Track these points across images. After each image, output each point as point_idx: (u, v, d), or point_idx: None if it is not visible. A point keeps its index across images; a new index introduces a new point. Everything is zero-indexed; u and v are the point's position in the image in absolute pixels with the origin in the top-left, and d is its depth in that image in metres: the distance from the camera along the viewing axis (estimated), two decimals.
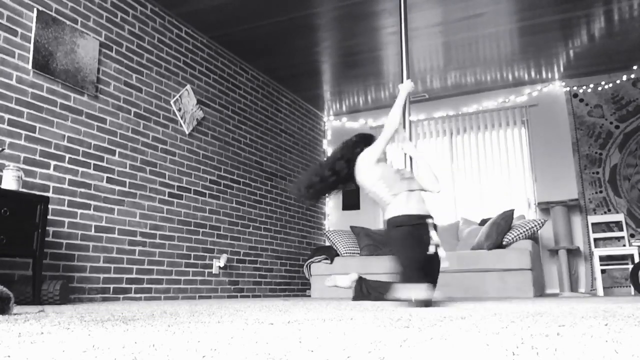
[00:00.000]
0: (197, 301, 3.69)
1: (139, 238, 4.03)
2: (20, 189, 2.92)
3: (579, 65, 5.65)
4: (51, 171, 3.42)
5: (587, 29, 4.91)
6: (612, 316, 1.37)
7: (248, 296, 5.16)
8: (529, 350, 0.67)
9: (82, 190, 3.62)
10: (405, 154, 3.09)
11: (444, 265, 2.63)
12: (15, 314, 1.67)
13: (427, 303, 2.33)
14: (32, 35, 3.38)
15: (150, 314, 1.71)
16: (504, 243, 4.83)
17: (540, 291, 4.90)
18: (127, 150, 4.02)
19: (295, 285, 6.01)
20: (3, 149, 3.07)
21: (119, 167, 3.93)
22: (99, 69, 3.86)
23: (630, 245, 5.32)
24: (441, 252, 2.62)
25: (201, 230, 4.67)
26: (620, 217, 5.42)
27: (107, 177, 3.82)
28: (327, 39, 5.07)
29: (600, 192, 5.66)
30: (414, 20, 4.68)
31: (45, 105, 3.43)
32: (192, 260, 4.52)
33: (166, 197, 4.33)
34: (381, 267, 5.11)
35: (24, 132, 3.27)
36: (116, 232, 3.84)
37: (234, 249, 5.07)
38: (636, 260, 4.88)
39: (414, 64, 5.63)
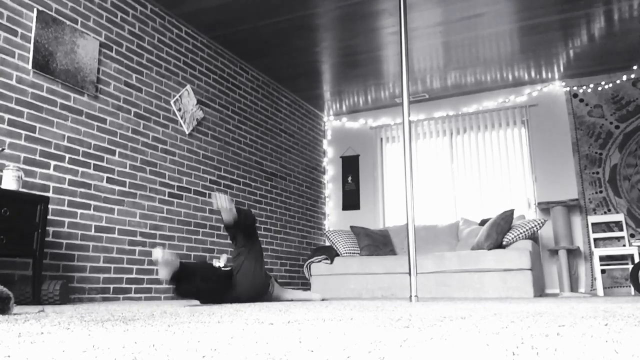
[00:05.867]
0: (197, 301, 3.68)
1: (139, 238, 4.03)
2: (20, 189, 2.92)
3: (579, 65, 5.66)
4: (51, 171, 3.42)
5: (587, 29, 4.91)
6: (612, 316, 1.37)
7: None
8: (529, 350, 0.67)
9: (82, 190, 3.62)
10: None
11: None
12: (15, 314, 1.67)
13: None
14: (32, 35, 3.38)
15: (150, 314, 1.71)
16: (504, 243, 4.83)
17: (540, 291, 4.90)
18: (127, 150, 4.02)
19: (295, 285, 6.01)
20: (3, 149, 3.07)
21: (119, 167, 3.93)
22: (99, 69, 3.86)
23: (630, 245, 5.32)
24: None
25: (201, 230, 4.67)
26: (620, 217, 5.43)
27: (107, 177, 3.82)
28: (327, 39, 5.07)
29: (600, 192, 5.66)
30: (414, 20, 4.68)
31: (45, 105, 3.43)
32: (192, 261, 4.52)
33: (166, 197, 4.33)
34: (381, 267, 5.11)
35: (24, 132, 3.27)
36: (116, 232, 3.84)
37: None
38: (636, 260, 4.88)
39: (414, 64, 5.63)
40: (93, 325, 1.19)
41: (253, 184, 5.50)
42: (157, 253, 2.53)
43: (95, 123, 3.78)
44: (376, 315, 1.54)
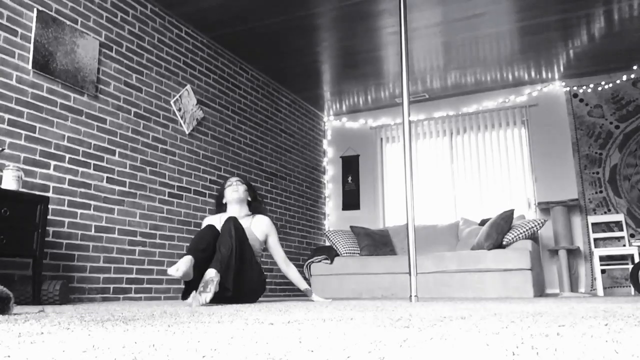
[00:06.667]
0: None
1: (139, 238, 4.03)
2: (20, 189, 2.92)
3: (579, 65, 5.66)
4: (51, 171, 3.42)
5: (587, 29, 4.91)
6: (612, 316, 1.37)
7: None
8: (529, 350, 0.67)
9: (82, 190, 3.62)
10: None
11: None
12: (15, 314, 1.67)
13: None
14: (32, 35, 3.38)
15: (150, 314, 1.71)
16: (504, 243, 4.83)
17: (540, 291, 4.90)
18: (127, 150, 4.02)
19: (295, 285, 6.01)
20: (3, 149, 3.07)
21: (119, 167, 3.93)
22: (99, 69, 3.86)
23: (630, 245, 5.32)
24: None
25: None
26: (620, 217, 5.43)
27: (107, 177, 3.82)
28: (327, 39, 5.07)
29: (600, 192, 5.66)
30: (414, 20, 4.68)
31: (45, 105, 3.43)
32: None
33: (166, 197, 4.33)
34: (381, 267, 5.11)
35: (24, 132, 3.27)
36: (116, 232, 3.84)
37: None
38: (636, 260, 4.88)
39: (414, 64, 5.63)
40: (93, 325, 1.19)
41: (253, 184, 5.49)
42: (173, 272, 2.59)
43: (95, 123, 3.78)
44: (376, 315, 1.54)
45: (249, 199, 3.46)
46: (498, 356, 0.63)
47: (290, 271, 3.47)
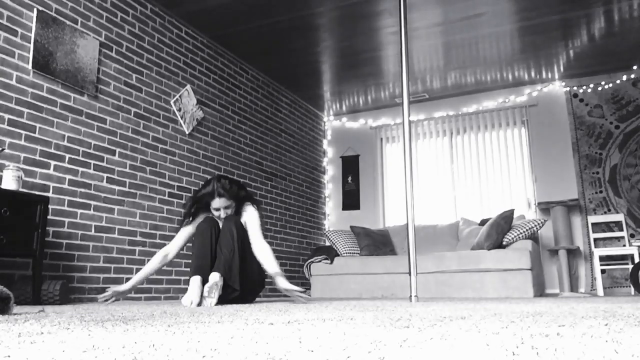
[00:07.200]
0: None
1: (139, 238, 4.02)
2: (20, 189, 2.92)
3: (579, 65, 5.66)
4: (51, 171, 3.42)
5: (587, 29, 4.91)
6: (612, 316, 1.37)
7: None
8: (529, 350, 0.67)
9: (82, 190, 3.62)
10: None
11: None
12: (15, 314, 1.67)
13: None
14: (32, 35, 3.38)
15: (150, 314, 1.71)
16: (504, 243, 4.83)
17: (540, 291, 4.90)
18: (127, 150, 4.02)
19: (295, 285, 6.00)
20: (3, 149, 3.07)
21: (119, 167, 3.93)
22: (99, 69, 3.86)
23: (630, 245, 5.32)
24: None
25: None
26: (620, 217, 5.42)
27: (107, 177, 3.82)
28: (327, 39, 5.07)
29: (600, 192, 5.66)
30: (414, 20, 4.68)
31: (45, 105, 3.43)
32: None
33: (166, 197, 4.33)
34: (381, 267, 5.11)
35: (24, 132, 3.27)
36: (116, 232, 3.84)
37: None
38: (636, 260, 4.88)
39: (414, 64, 5.63)
40: (93, 325, 1.19)
41: (253, 184, 5.50)
42: (187, 304, 2.57)
43: (95, 123, 3.78)
44: (376, 315, 1.54)
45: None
46: (498, 356, 0.63)
47: (265, 248, 2.92)
